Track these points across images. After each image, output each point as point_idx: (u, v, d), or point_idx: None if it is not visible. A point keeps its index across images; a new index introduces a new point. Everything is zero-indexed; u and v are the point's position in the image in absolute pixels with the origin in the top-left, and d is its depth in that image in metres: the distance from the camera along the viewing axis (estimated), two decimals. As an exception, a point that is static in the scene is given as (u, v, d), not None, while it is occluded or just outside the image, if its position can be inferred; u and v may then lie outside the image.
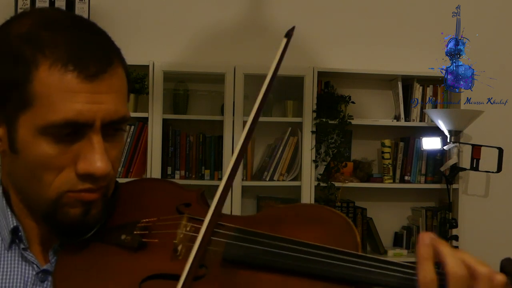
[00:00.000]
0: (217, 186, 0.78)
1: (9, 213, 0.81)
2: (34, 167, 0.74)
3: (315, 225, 0.79)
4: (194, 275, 0.71)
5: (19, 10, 2.84)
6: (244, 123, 3.46)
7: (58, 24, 0.74)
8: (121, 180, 0.91)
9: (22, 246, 0.80)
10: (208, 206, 0.91)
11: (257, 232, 0.76)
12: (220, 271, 0.74)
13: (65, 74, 0.71)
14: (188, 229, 0.79)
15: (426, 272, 0.67)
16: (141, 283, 0.73)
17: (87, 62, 0.72)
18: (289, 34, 0.83)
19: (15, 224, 0.80)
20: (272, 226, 0.79)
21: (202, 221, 0.75)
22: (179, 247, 0.76)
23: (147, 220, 0.81)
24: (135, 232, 0.79)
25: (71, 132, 0.72)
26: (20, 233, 0.80)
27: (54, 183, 0.74)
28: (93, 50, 0.73)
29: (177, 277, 0.71)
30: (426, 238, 0.70)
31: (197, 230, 0.75)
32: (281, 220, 0.81)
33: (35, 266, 0.80)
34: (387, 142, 3.39)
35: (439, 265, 0.69)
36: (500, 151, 3.20)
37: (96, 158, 0.73)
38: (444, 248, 0.69)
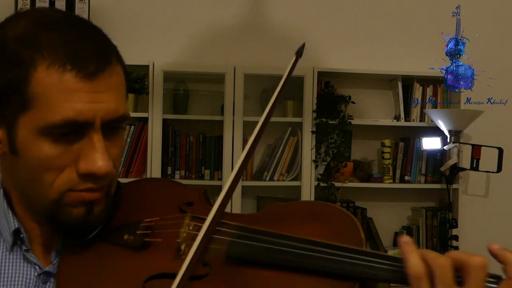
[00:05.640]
0: (217, 186, 0.77)
1: (11, 214, 0.81)
2: (35, 168, 0.73)
3: (318, 222, 0.79)
4: (195, 273, 0.71)
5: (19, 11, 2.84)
6: (244, 123, 3.40)
7: (54, 24, 0.73)
8: (121, 180, 0.90)
9: (24, 247, 0.80)
10: (211, 205, 0.91)
11: (260, 229, 0.76)
12: (223, 270, 0.74)
13: (63, 74, 0.70)
14: (191, 228, 0.79)
15: (414, 265, 0.66)
16: (144, 282, 0.73)
17: (86, 61, 0.71)
18: (299, 52, 0.82)
19: (16, 225, 0.80)
20: (275, 223, 0.78)
21: (205, 219, 0.75)
22: (182, 246, 0.76)
23: (149, 219, 0.81)
24: (137, 232, 0.79)
25: (71, 132, 0.72)
26: (22, 235, 0.80)
27: (55, 183, 0.74)
28: (91, 49, 0.73)
29: None
30: (405, 237, 0.69)
31: (200, 229, 0.75)
32: (283, 217, 0.81)
33: (37, 267, 0.80)
34: (387, 142, 3.39)
35: None
36: (500, 151, 3.20)
37: (97, 158, 0.73)
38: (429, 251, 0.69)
